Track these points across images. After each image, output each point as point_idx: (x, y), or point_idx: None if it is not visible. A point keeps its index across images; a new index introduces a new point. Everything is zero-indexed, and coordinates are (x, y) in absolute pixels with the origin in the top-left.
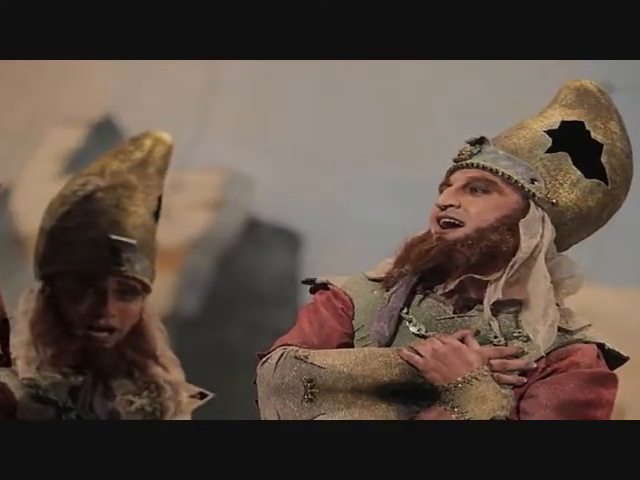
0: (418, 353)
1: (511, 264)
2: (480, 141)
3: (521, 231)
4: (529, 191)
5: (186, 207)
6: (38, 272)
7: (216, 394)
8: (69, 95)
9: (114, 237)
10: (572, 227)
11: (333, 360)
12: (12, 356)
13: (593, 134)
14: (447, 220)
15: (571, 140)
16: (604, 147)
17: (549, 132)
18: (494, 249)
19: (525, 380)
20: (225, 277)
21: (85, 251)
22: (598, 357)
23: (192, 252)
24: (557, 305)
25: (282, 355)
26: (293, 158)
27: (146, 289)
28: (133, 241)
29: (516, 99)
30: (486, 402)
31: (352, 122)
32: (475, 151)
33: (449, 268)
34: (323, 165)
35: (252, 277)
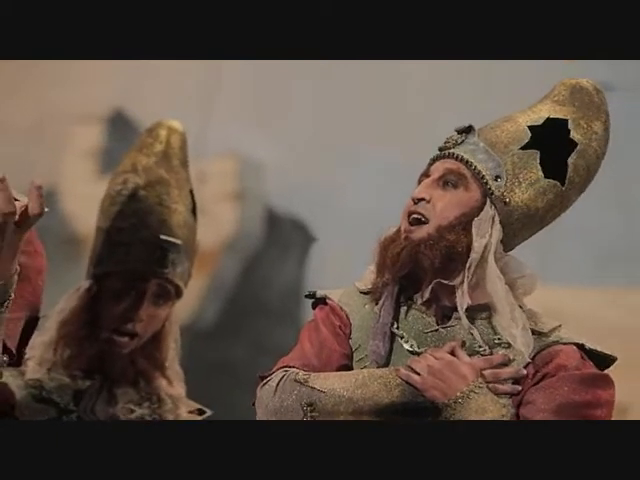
0: (415, 372)
1: (468, 266)
2: (467, 130)
3: (473, 231)
4: (490, 188)
5: (211, 200)
6: (91, 271)
7: (216, 410)
8: (77, 93)
9: (163, 237)
10: (518, 227)
11: (333, 384)
12: (25, 356)
13: (573, 133)
14: (415, 216)
15: (551, 137)
16: (577, 147)
17: (532, 127)
18: (451, 250)
19: (520, 388)
20: (244, 286)
21: (139, 251)
22: (583, 358)
23: (223, 254)
24: (520, 307)
25: (282, 378)
26: (303, 148)
27: (179, 294)
28: (179, 241)
29: (516, 99)
30: (486, 413)
31: (354, 116)
32: (460, 140)
33: (419, 273)
34: (336, 158)
35: (266, 288)
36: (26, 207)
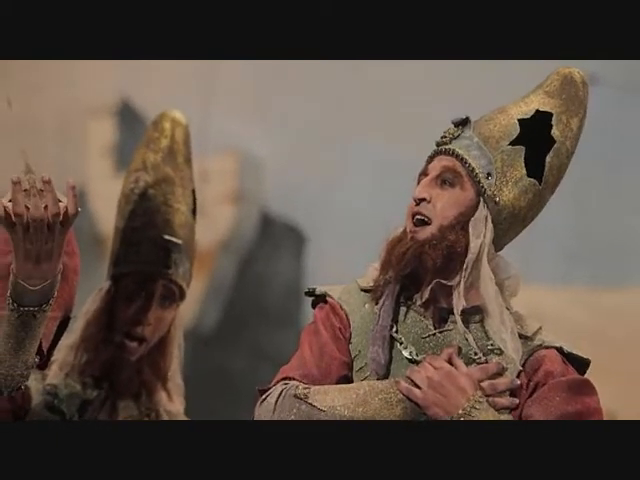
0: (415, 385)
1: (465, 266)
2: (464, 122)
3: (470, 231)
4: (482, 187)
5: (211, 202)
6: (110, 271)
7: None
8: (83, 88)
9: (167, 237)
10: (506, 227)
11: (333, 400)
12: (52, 358)
13: (554, 129)
14: (419, 217)
15: (535, 132)
16: (554, 145)
17: (522, 121)
18: (451, 250)
19: (517, 401)
20: (241, 286)
21: (147, 251)
22: (564, 362)
23: (219, 254)
24: (508, 309)
25: (281, 393)
26: (302, 147)
27: (182, 295)
28: (180, 241)
29: (514, 98)
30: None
31: (354, 115)
32: (456, 134)
33: (421, 273)
34: (335, 157)
35: (264, 287)
36: (67, 207)
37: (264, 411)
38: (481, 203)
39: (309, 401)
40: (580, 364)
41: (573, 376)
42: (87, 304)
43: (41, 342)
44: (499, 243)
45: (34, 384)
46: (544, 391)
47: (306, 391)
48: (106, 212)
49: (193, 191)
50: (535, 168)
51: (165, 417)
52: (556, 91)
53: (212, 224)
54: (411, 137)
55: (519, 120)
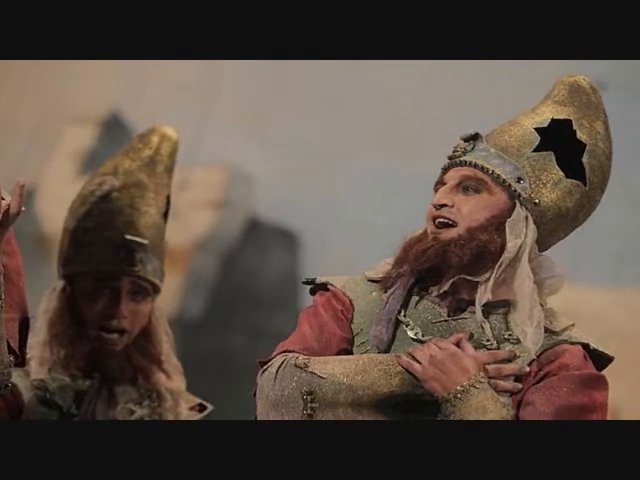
0: (416, 360)
1: (498, 264)
2: (474, 137)
3: (507, 231)
4: (515, 190)
5: (190, 206)
6: (61, 271)
7: (216, 404)
8: (74, 94)
9: (129, 237)
10: (552, 227)
11: (333, 369)
12: (27, 356)
13: (579, 133)
14: (442, 220)
15: (558, 138)
16: (587, 147)
17: (538, 130)
18: (483, 249)
19: (521, 386)
20: (228, 278)
21: (103, 251)
22: (585, 358)
23: (197, 252)
24: (541, 305)
25: (283, 363)
26: (293, 156)
27: (156, 290)
28: (145, 241)
29: (516, 99)
30: (486, 413)
31: (352, 120)
32: (469, 148)
33: (443, 269)
34: (323, 163)
35: (253, 278)
36: (8, 206)
37: (266, 380)
38: (517, 205)
39: (309, 370)
40: (603, 361)
41: (588, 371)
42: (44, 303)
43: (10, 343)
44: (545, 243)
45: (19, 380)
46: (553, 381)
47: (306, 360)
48: (54, 214)
49: (168, 196)
50: (574, 171)
51: (168, 397)
52: (566, 100)
53: (189, 226)
54: (413, 150)
55: (536, 129)
